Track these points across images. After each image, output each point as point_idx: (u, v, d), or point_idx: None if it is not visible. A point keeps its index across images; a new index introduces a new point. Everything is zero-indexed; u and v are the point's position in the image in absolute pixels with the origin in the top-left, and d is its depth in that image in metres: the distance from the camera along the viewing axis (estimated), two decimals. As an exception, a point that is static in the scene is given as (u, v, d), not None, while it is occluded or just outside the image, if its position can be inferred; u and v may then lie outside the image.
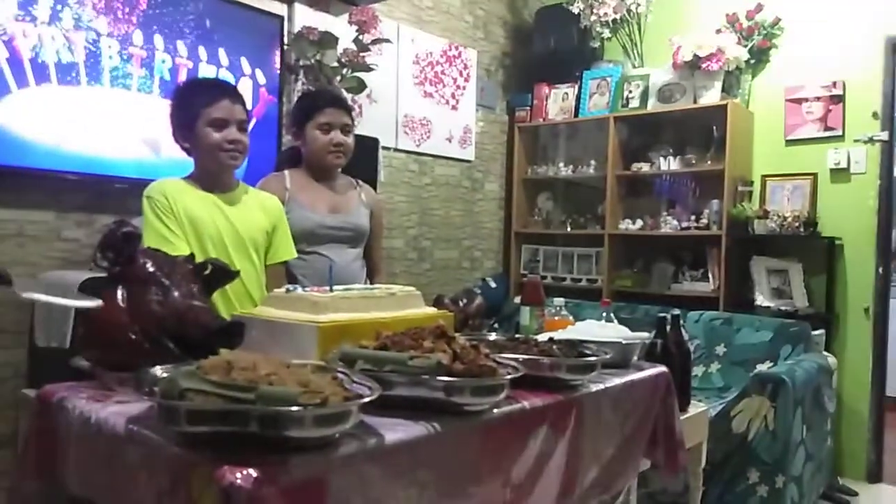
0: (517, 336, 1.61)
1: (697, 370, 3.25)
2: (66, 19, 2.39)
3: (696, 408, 2.02)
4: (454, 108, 4.08)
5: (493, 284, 4.19)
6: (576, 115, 4.22)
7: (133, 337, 1.16)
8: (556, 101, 4.32)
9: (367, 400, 0.94)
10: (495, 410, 1.16)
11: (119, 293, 1.20)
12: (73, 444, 1.11)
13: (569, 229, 4.32)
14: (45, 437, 1.17)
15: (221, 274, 1.36)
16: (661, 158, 3.92)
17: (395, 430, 1.00)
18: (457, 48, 4.09)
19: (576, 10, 4.04)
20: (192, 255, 1.36)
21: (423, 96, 3.89)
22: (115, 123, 2.53)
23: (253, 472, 0.81)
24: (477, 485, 1.12)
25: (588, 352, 1.45)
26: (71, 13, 2.40)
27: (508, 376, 1.16)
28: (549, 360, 1.35)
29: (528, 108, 4.40)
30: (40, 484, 1.17)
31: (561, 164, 4.39)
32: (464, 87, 4.14)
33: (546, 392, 1.30)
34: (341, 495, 0.90)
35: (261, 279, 1.90)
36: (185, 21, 2.71)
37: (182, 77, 2.69)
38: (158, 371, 1.00)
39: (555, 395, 1.31)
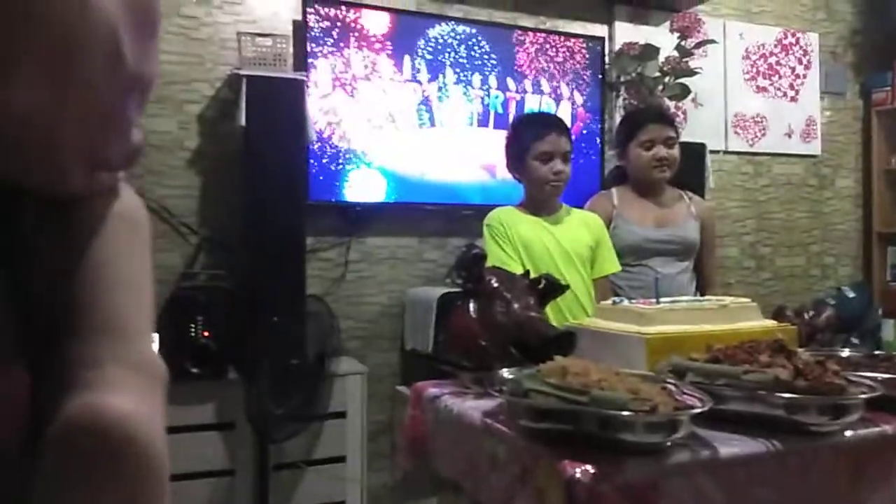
0: (878, 353, 1.44)
1: None
2: (422, 73, 2.86)
3: None
4: (793, 99, 3.71)
5: (849, 294, 3.65)
6: (957, 88, 3.51)
7: (483, 343, 1.34)
8: (929, 76, 3.64)
9: (697, 411, 0.95)
10: (848, 433, 1.06)
11: (470, 306, 1.39)
12: (439, 432, 1.33)
13: (954, 227, 3.59)
14: (418, 425, 1.41)
15: (553, 287, 1.48)
16: None
17: (730, 445, 0.99)
18: (793, 34, 3.71)
19: (951, -35, 3.37)
20: (527, 272, 1.51)
21: (755, 92, 3.61)
22: (461, 157, 2.91)
23: (591, 469, 0.88)
24: (827, 511, 1.03)
25: (974, 373, 1.22)
26: (425, 68, 2.86)
27: (863, 396, 1.05)
28: (919, 381, 1.18)
29: (889, 88, 3.79)
30: (414, 463, 1.42)
31: (938, 150, 3.67)
32: (804, 76, 3.74)
33: (915, 416, 1.14)
34: (674, 501, 0.92)
35: (589, 291, 2.01)
36: (513, 59, 3.01)
37: (512, 109, 2.96)
38: (505, 373, 1.14)
39: (927, 421, 1.13)
